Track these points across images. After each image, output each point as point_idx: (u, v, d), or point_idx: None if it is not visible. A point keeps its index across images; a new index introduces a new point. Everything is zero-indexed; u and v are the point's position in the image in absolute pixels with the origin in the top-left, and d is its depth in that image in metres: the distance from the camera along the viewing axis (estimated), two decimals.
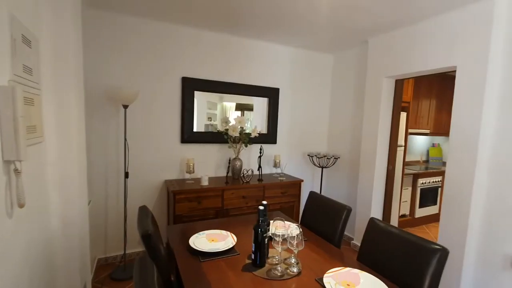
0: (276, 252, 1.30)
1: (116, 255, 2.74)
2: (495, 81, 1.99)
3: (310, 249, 1.52)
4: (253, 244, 1.22)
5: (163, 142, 2.84)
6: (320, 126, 3.76)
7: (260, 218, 1.22)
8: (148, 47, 2.69)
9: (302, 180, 3.11)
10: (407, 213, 3.94)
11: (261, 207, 1.22)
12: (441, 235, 2.28)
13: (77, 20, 1.79)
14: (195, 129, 2.96)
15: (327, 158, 3.48)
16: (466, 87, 2.09)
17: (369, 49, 2.94)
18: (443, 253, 1.18)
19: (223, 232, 1.64)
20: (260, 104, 3.33)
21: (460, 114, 2.14)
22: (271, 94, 3.32)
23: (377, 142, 2.89)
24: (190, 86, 2.87)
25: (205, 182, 2.68)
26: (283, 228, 1.28)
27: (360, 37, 2.91)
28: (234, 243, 1.49)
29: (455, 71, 2.19)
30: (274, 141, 3.40)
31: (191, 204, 2.54)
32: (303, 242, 1.24)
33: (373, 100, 2.92)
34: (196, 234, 1.57)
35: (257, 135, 2.96)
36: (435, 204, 4.15)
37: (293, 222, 1.91)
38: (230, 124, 2.89)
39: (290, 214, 3.05)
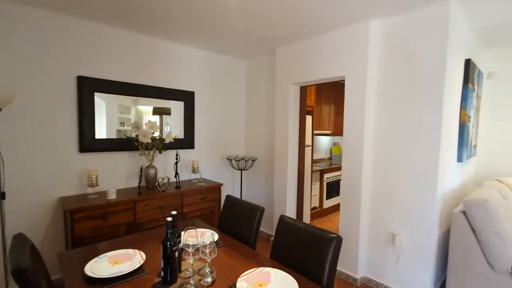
0: (189, 264, 1.24)
1: None
2: (372, 90, 2.43)
3: (226, 254, 1.52)
4: (162, 260, 1.14)
5: (55, 152, 2.39)
6: (237, 129, 3.85)
7: (169, 231, 1.14)
8: (35, 41, 2.22)
9: (222, 184, 3.11)
10: (317, 205, 4.41)
11: (169, 219, 1.14)
12: (341, 221, 2.63)
13: None
14: (98, 136, 2.59)
15: (245, 161, 3.58)
16: (353, 94, 2.48)
17: (277, 58, 3.18)
18: (338, 240, 1.34)
19: (130, 251, 1.47)
20: (177, 108, 3.18)
21: (349, 117, 2.52)
22: (187, 98, 3.22)
23: (288, 143, 3.14)
24: (89, 87, 2.51)
25: (112, 196, 2.37)
26: (195, 238, 1.23)
27: (268, 45, 3.11)
28: (142, 262, 1.35)
29: (344, 80, 2.57)
30: (191, 146, 3.30)
31: (95, 223, 2.21)
32: (216, 249, 1.22)
33: (282, 105, 3.16)
34: (95, 259, 1.36)
35: (172, 140, 2.81)
36: (338, 195, 4.78)
37: (211, 229, 1.88)
38: (141, 130, 2.65)
39: (211, 219, 3.01)
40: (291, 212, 3.26)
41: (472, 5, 2.07)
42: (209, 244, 1.20)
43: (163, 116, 3.09)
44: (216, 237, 1.68)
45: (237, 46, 3.17)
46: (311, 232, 1.44)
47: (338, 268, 2.65)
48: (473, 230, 1.99)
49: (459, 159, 2.50)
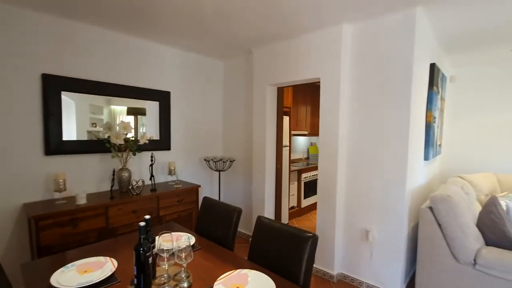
0: (164, 270, 1.21)
1: None
2: (345, 92, 2.51)
3: (203, 258, 1.50)
4: (135, 267, 1.09)
5: (17, 155, 2.22)
6: (214, 130, 3.81)
7: (142, 236, 1.10)
8: None
9: (200, 186, 3.06)
10: (295, 204, 4.47)
11: (142, 224, 1.10)
12: (318, 220, 2.68)
13: None
14: (66, 138, 2.45)
15: (223, 162, 3.55)
16: (327, 96, 2.54)
17: (254, 59, 3.19)
18: (314, 239, 1.36)
19: (101, 258, 1.40)
20: (153, 108, 3.09)
21: (324, 118, 2.58)
22: (162, 98, 3.13)
23: (265, 143, 3.16)
24: (55, 86, 2.36)
25: (82, 200, 2.25)
26: (170, 242, 1.20)
27: (245, 46, 3.11)
28: (114, 270, 1.30)
29: (320, 81, 2.63)
30: (167, 147, 3.22)
31: (63, 230, 2.09)
32: (192, 253, 1.20)
33: (259, 106, 3.18)
34: (62, 268, 1.28)
35: (147, 141, 2.72)
36: (316, 194, 4.87)
37: (187, 232, 1.84)
38: (113, 131, 2.54)
39: (188, 222, 2.95)
40: (269, 212, 3.29)
41: (435, 14, 2.20)
42: (185, 248, 1.18)
43: (138, 116, 2.99)
44: (192, 240, 1.65)
45: (214, 46, 3.14)
46: (288, 232, 1.46)
47: (315, 265, 2.71)
48: (439, 224, 2.11)
49: (426, 158, 2.65)
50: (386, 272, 2.35)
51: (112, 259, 1.39)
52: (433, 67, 2.57)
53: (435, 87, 2.64)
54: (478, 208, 2.60)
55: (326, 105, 2.56)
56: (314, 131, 5.04)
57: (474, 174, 3.21)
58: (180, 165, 3.36)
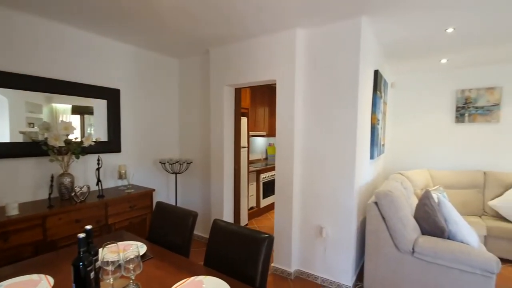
0: (109, 285, 1.11)
1: None
2: (300, 94, 2.60)
3: (155, 267, 1.42)
4: (74, 285, 0.99)
5: None
6: (170, 131, 3.66)
7: (81, 249, 0.99)
8: None
9: (154, 190, 2.91)
10: (255, 205, 4.51)
11: (81, 235, 1.00)
12: (276, 219, 2.74)
13: None
14: None
15: (180, 164, 3.43)
16: (283, 97, 2.61)
17: (211, 58, 3.13)
18: (270, 240, 1.38)
19: (34, 276, 1.24)
20: (101, 107, 2.85)
21: (281, 119, 2.64)
22: (111, 96, 2.91)
23: (223, 144, 3.12)
24: None
25: (13, 211, 1.98)
26: (116, 253, 1.11)
27: (202, 45, 3.04)
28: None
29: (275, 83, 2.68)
30: (117, 149, 2.99)
31: None
32: (141, 263, 1.13)
33: (217, 106, 3.13)
34: None
35: (92, 143, 2.50)
36: (274, 193, 4.99)
37: (139, 240, 1.73)
38: (51, 132, 2.28)
39: (142, 229, 2.78)
40: (228, 214, 3.26)
41: (377, 25, 2.40)
42: (133, 258, 1.10)
43: (85, 116, 2.74)
44: (143, 249, 1.56)
45: (169, 43, 3.01)
46: (244, 234, 1.45)
47: (274, 264, 2.76)
48: (383, 218, 2.30)
49: (371, 157, 2.88)
50: (338, 265, 2.49)
51: (48, 277, 1.24)
52: (376, 73, 2.80)
53: (378, 92, 2.88)
54: (415, 201, 2.91)
55: (282, 107, 2.62)
56: (272, 132, 5.14)
57: (411, 171, 3.59)
58: (132, 168, 3.16)
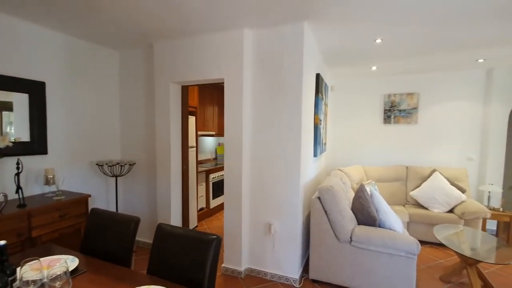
0: None
1: None
2: (248, 94, 2.63)
3: (89, 281, 1.28)
4: None
5: None
6: (110, 130, 3.35)
7: None
8: None
9: (90, 195, 2.63)
10: (204, 206, 4.42)
11: None
12: (226, 218, 2.73)
13: None
14: None
15: (121, 166, 3.17)
16: (232, 96, 2.61)
17: (155, 53, 2.96)
18: (217, 241, 1.36)
19: None
20: (23, 102, 2.46)
21: (229, 118, 2.64)
22: (33, 90, 2.53)
23: (170, 144, 2.98)
24: None
25: None
26: (39, 271, 0.97)
27: (146, 39, 2.86)
28: None
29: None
30: (43, 151, 2.62)
31: None
32: (71, 280, 1.00)
33: (162, 104, 2.98)
34: None
35: (10, 144, 2.15)
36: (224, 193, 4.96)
37: (70, 254, 1.54)
38: None
39: (76, 240, 2.48)
40: (176, 217, 3.13)
41: (318, 31, 2.57)
42: (61, 274, 0.97)
43: (4, 112, 2.33)
44: (75, 263, 1.39)
45: (107, 33, 2.75)
46: (190, 237, 1.41)
47: (224, 265, 2.75)
48: (325, 211, 2.48)
49: (315, 154, 3.07)
50: (286, 259, 2.59)
51: None
52: (318, 76, 3.00)
53: (320, 94, 3.08)
54: (352, 194, 3.20)
55: (230, 106, 2.62)
56: (221, 132, 5.10)
57: (349, 167, 3.94)
58: (63, 172, 2.80)
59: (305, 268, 2.79)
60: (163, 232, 1.48)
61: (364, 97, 4.61)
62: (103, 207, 3.25)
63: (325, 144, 3.95)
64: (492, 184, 3.63)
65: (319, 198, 2.52)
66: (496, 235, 3.70)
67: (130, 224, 1.62)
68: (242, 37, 2.51)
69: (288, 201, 2.55)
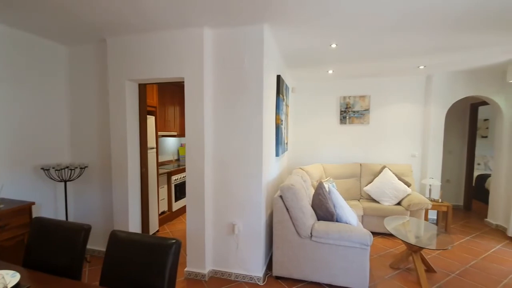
0: None
1: None
2: (209, 94, 2.60)
3: None
4: None
5: None
6: (58, 131, 3.06)
7: None
8: None
9: (34, 203, 2.38)
10: (166, 209, 4.27)
11: None
12: (188, 221, 2.67)
13: None
14: None
15: (71, 169, 2.92)
16: (192, 96, 2.56)
17: (108, 49, 2.78)
18: (177, 245, 1.33)
19: None
20: None
21: (190, 118, 2.58)
22: None
23: (127, 146, 2.83)
24: None
25: None
26: None
27: (98, 33, 2.67)
28: None
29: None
30: None
31: None
32: None
33: (118, 103, 2.81)
34: None
35: None
36: None
37: (10, 268, 1.38)
38: None
39: (18, 253, 2.23)
40: (135, 223, 2.97)
41: (278, 33, 2.63)
42: None
43: None
44: (16, 278, 1.26)
45: (53, 26, 2.51)
46: (148, 243, 1.35)
47: (187, 269, 2.68)
48: (287, 209, 2.56)
49: (277, 154, 3.15)
50: (250, 258, 2.62)
51: None
52: (279, 77, 3.08)
53: (281, 95, 3.17)
54: (312, 192, 3.34)
55: (191, 106, 2.57)
56: (183, 132, 4.97)
57: (309, 165, 4.12)
58: (2, 178, 2.50)
59: (269, 266, 2.85)
60: (117, 239, 1.40)
61: (322, 98, 4.85)
62: (51, 216, 2.96)
63: (286, 143, 4.07)
64: (432, 178, 4.07)
65: (281, 196, 2.59)
66: (436, 223, 4.15)
67: (79, 232, 1.50)
68: (202, 36, 2.47)
69: (251, 201, 2.58)
